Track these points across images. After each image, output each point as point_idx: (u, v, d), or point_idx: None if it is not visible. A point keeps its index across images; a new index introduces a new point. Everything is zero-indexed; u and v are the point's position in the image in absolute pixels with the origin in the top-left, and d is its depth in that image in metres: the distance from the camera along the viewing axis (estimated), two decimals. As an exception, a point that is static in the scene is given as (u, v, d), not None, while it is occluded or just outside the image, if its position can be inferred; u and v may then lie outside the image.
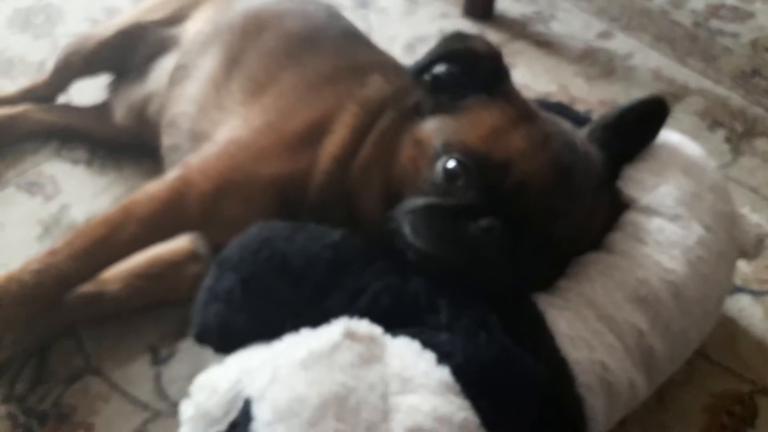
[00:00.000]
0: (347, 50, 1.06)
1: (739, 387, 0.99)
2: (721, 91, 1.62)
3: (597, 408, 0.74)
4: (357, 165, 0.87)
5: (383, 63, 1.03)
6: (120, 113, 1.32)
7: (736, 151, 1.45)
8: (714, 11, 1.90)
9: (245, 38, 1.11)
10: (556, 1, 1.91)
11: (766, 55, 1.75)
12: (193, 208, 0.91)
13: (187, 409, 0.70)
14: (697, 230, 0.85)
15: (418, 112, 0.87)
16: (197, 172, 0.92)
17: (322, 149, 0.88)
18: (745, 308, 1.10)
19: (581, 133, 0.90)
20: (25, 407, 0.90)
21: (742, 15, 1.89)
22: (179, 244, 1.03)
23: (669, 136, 0.96)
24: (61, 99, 1.45)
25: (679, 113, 1.53)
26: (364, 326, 0.71)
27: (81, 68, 1.35)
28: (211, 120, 1.05)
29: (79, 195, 1.26)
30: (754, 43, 1.79)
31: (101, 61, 1.33)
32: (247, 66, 1.06)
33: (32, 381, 0.93)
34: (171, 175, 0.94)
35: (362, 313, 0.74)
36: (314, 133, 0.89)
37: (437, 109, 0.86)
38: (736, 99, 1.59)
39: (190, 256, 1.03)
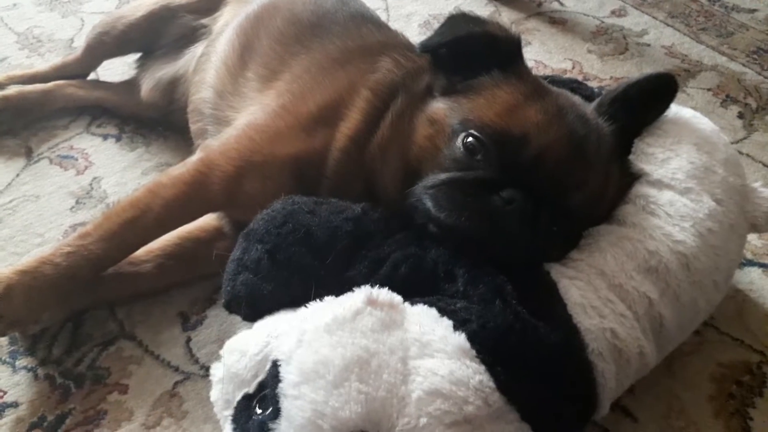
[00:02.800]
0: (357, 33, 1.08)
1: (747, 357, 1.02)
2: (735, 67, 1.62)
3: (607, 374, 0.77)
4: (374, 145, 0.90)
5: (393, 44, 1.05)
6: (147, 90, 1.36)
7: (750, 127, 1.46)
8: (730, -13, 1.89)
9: (259, 26, 1.14)
10: (571, -23, 1.91)
11: (783, 31, 1.74)
12: (216, 188, 0.94)
13: (217, 371, 0.74)
14: (708, 203, 0.87)
15: (430, 93, 0.91)
16: (219, 154, 0.95)
17: (338, 130, 0.91)
18: (754, 281, 1.12)
19: (592, 107, 0.92)
20: (62, 369, 0.95)
21: (758, -10, 1.88)
22: (206, 222, 1.06)
23: (681, 111, 0.98)
24: (90, 76, 1.49)
25: (692, 89, 1.54)
26: (384, 294, 0.74)
27: (112, 48, 1.40)
28: (230, 106, 1.08)
29: (110, 168, 1.30)
30: (770, 19, 1.78)
31: (131, 41, 1.38)
32: (261, 53, 1.09)
33: (68, 345, 0.98)
34: (194, 158, 0.98)
35: (383, 282, 0.77)
36: (328, 114, 0.92)
37: (450, 90, 0.89)
38: (751, 75, 1.60)
39: (217, 234, 1.06)
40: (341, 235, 0.81)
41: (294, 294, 0.79)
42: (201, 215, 1.00)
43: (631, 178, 0.91)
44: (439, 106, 0.88)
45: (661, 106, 0.95)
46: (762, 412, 0.94)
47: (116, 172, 1.29)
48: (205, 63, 1.20)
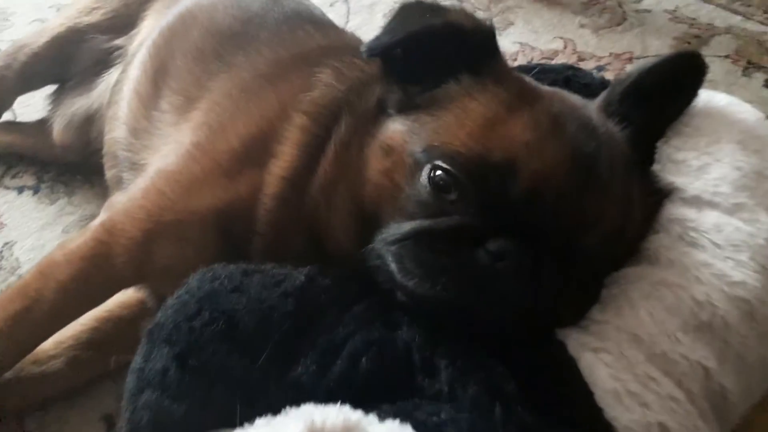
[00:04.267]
0: (291, 38, 0.89)
1: None
2: (753, 26, 1.42)
3: None
4: (315, 186, 0.73)
5: (337, 49, 0.86)
6: (59, 130, 1.17)
7: None
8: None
9: (174, 42, 0.95)
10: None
11: (804, -21, 1.54)
12: (122, 261, 0.76)
13: None
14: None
15: (383, 111, 0.72)
16: (123, 215, 0.77)
17: (267, 171, 0.75)
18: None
19: (595, 106, 0.74)
20: None
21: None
22: (127, 297, 0.88)
23: (713, 98, 0.77)
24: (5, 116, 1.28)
25: (707, 59, 1.31)
26: (333, 417, 0.53)
27: (16, 84, 1.19)
28: (145, 146, 0.91)
29: (25, 229, 1.13)
30: (787, -34, 1.58)
31: (37, 73, 1.18)
32: (176, 76, 0.91)
33: None
34: (95, 222, 0.79)
35: (338, 384, 0.59)
36: (255, 151, 0.76)
37: (408, 105, 0.70)
38: (773, 34, 1.40)
39: (142, 310, 0.87)
40: (279, 319, 0.63)
41: (215, 414, 0.59)
42: (108, 297, 0.82)
43: (659, 196, 0.71)
44: (395, 128, 0.69)
45: (687, 96, 0.76)
46: None
47: (33, 233, 1.12)
48: (118, 93, 1.02)
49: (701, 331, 0.62)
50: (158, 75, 0.93)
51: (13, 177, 1.22)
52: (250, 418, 0.57)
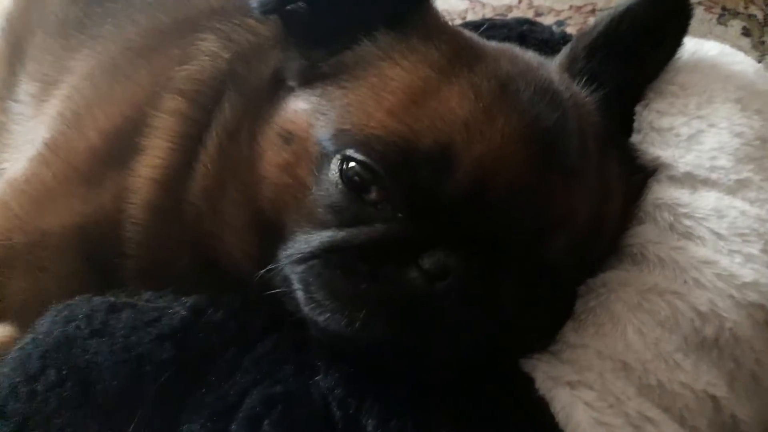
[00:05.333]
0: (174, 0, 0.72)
1: None
2: None
3: None
4: (196, 187, 0.59)
5: (222, 10, 0.69)
6: None
7: (761, 46, 1.17)
8: None
9: (31, 12, 0.79)
10: None
11: None
12: None
13: None
14: None
15: (281, 85, 0.57)
16: None
17: (135, 171, 0.60)
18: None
19: (556, 65, 0.61)
20: None
21: None
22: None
23: (702, 47, 0.64)
24: None
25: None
26: None
27: None
28: (4, 146, 0.75)
29: None
30: None
31: None
32: (33, 56, 0.76)
33: None
34: None
35: None
36: (119, 148, 0.62)
37: (313, 74, 0.56)
38: (748, -24, 1.30)
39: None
40: (153, 371, 0.49)
41: None
42: None
43: (641, 175, 0.58)
44: (297, 107, 0.55)
45: (669, 47, 0.63)
46: None
47: None
48: None
49: (706, 351, 0.50)
50: (14, 56, 0.77)
51: None
52: None
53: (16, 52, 0.77)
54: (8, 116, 0.75)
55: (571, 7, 1.23)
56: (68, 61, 0.71)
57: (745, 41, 1.15)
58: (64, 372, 0.48)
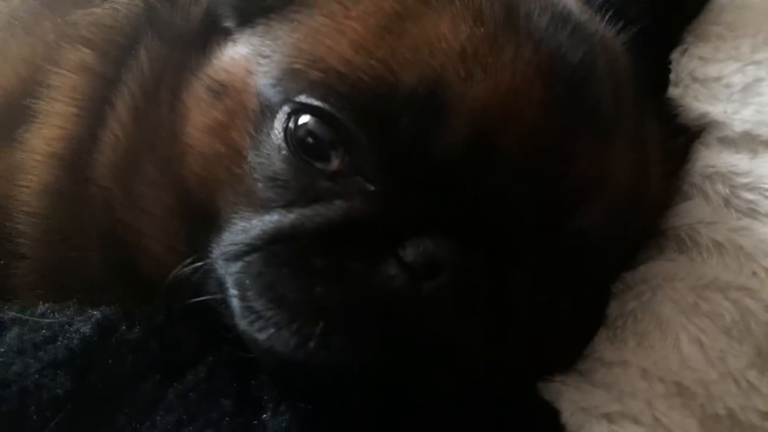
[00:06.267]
0: None
1: None
2: None
3: None
4: (106, 164, 0.48)
5: None
6: None
7: None
8: None
9: None
10: None
11: None
12: None
13: None
14: None
15: (214, 30, 0.46)
16: None
17: (26, 144, 0.50)
18: None
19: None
20: None
21: None
22: None
23: None
24: None
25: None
26: None
27: None
28: None
29: None
30: None
31: None
32: None
33: None
34: None
35: None
36: (6, 115, 0.50)
37: (252, 10, 0.45)
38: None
39: None
40: (40, 411, 0.38)
41: None
42: None
43: (685, 137, 0.47)
44: (234, 53, 0.43)
45: None
46: None
47: None
48: None
49: None
50: None
51: None
52: None
53: None
54: None
55: None
56: None
57: None
58: None
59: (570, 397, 0.38)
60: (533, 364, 0.38)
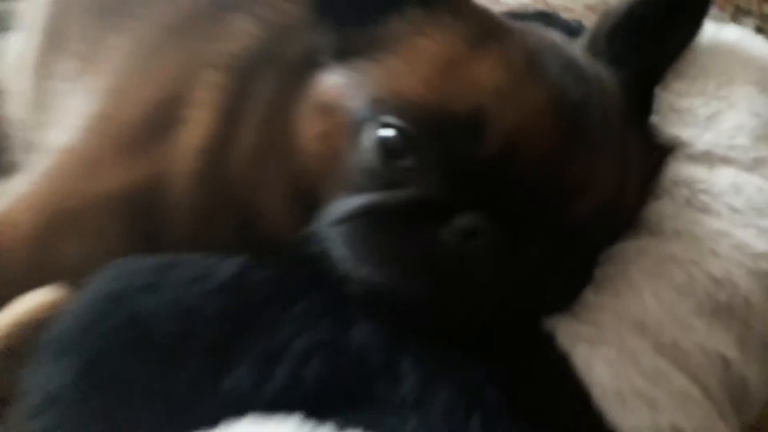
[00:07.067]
0: None
1: None
2: None
3: None
4: (238, 157, 0.63)
5: None
6: None
7: None
8: None
9: None
10: None
11: None
12: (17, 259, 0.65)
13: None
14: None
15: (314, 61, 0.61)
16: (13, 206, 0.66)
17: (178, 141, 0.64)
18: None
19: (579, 45, 0.64)
20: None
21: None
22: (40, 300, 0.75)
23: (720, 31, 0.68)
24: None
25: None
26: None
27: None
28: (40, 124, 0.78)
29: None
30: None
31: None
32: (71, 36, 0.79)
33: None
34: None
35: (282, 394, 0.50)
36: (162, 119, 0.65)
37: (346, 50, 0.59)
38: (765, -26, 1.29)
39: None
40: (204, 322, 0.52)
41: None
42: (3, 303, 0.68)
43: (660, 153, 0.61)
44: (331, 81, 0.58)
45: (689, 30, 0.65)
46: None
47: None
48: (5, 62, 0.91)
49: (719, 315, 0.53)
50: (52, 36, 0.81)
51: None
52: None
53: (54, 33, 0.81)
54: (46, 94, 0.79)
55: (586, 6, 1.27)
56: (108, 40, 0.74)
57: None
58: (123, 319, 0.51)
59: (563, 329, 0.52)
60: (538, 305, 0.52)
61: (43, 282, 0.69)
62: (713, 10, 1.22)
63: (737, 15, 1.21)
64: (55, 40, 0.80)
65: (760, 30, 1.17)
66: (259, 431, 0.45)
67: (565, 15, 1.22)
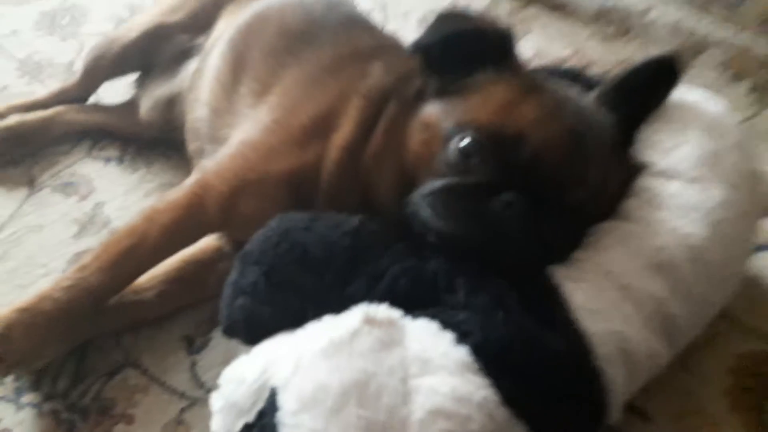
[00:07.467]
0: (347, 38, 1.06)
1: (764, 347, 0.97)
2: (745, 39, 1.56)
3: (617, 379, 0.74)
4: (368, 154, 0.88)
5: (384, 47, 1.04)
6: (145, 109, 1.36)
7: (762, 103, 1.41)
8: (738, -46, 1.82)
9: (250, 39, 1.13)
10: (570, -41, 1.86)
11: (795, -3, 1.67)
12: (213, 210, 0.93)
13: (216, 401, 0.74)
14: (718, 191, 0.83)
15: (422, 97, 0.87)
16: (214, 175, 0.94)
17: (330, 141, 0.89)
18: None
19: (591, 97, 0.88)
20: (68, 403, 0.94)
21: (768, -45, 1.81)
22: (206, 244, 1.06)
23: (687, 93, 0.93)
24: (92, 98, 1.50)
25: (700, 67, 1.50)
26: (382, 311, 0.72)
27: (109, 70, 1.40)
28: (226, 124, 1.08)
29: (112, 192, 1.30)
30: (782, -15, 1.71)
31: (128, 61, 1.38)
32: (253, 67, 1.06)
33: (73, 377, 0.98)
34: (189, 181, 0.96)
35: (382, 297, 0.76)
36: (321, 126, 0.90)
37: (443, 91, 0.86)
38: (763, 45, 1.54)
39: (218, 255, 1.05)
40: (339, 251, 0.79)
41: (293, 315, 0.77)
42: (199, 238, 1.00)
43: (635, 170, 0.87)
44: (432, 109, 0.87)
45: (665, 91, 0.91)
46: (781, 405, 0.91)
47: (119, 196, 1.29)
48: (199, 80, 1.20)
49: (657, 270, 0.77)
50: (237, 66, 1.09)
51: (100, 150, 1.39)
52: (318, 318, 0.75)
53: (239, 64, 1.09)
54: (231, 104, 1.07)
55: (616, 61, 1.51)
56: (280, 72, 1.02)
57: (751, 97, 1.40)
58: (291, 244, 0.78)
59: (558, 271, 0.76)
60: (546, 257, 0.78)
61: (228, 228, 1.01)
62: (718, 72, 1.49)
63: (736, 77, 1.46)
64: (240, 69, 1.09)
65: (753, 90, 1.43)
66: (370, 308, 0.74)
67: (597, 67, 1.51)
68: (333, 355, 0.68)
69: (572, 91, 0.89)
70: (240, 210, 0.92)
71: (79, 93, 1.44)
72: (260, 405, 0.69)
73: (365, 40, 1.07)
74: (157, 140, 1.38)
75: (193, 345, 1.02)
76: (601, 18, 1.67)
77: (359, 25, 1.13)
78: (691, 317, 0.81)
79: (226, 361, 0.78)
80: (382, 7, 1.76)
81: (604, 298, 0.77)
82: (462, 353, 0.70)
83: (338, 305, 0.76)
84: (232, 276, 0.82)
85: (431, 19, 0.91)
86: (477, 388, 0.67)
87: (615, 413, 0.76)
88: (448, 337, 0.71)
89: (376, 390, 0.66)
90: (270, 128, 0.95)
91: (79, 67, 1.52)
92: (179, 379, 0.97)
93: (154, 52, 1.33)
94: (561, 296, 0.77)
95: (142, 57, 1.35)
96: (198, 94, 1.18)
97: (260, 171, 0.91)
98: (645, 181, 0.85)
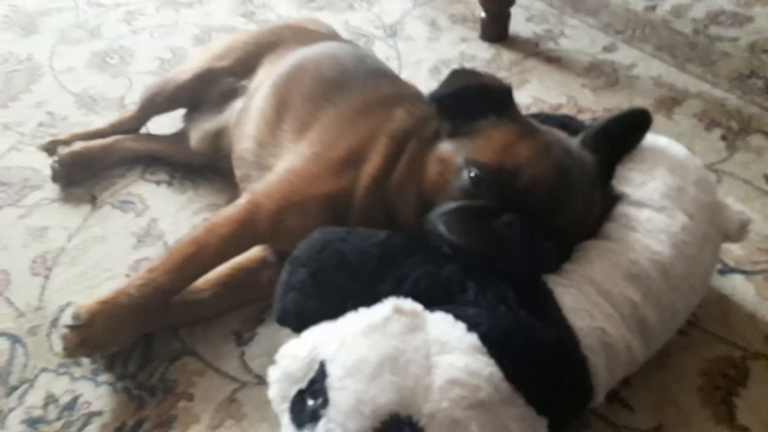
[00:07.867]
0: (374, 87, 1.21)
1: (731, 353, 1.10)
2: (718, 93, 1.74)
3: (599, 365, 0.91)
4: (393, 182, 1.04)
5: (405, 95, 1.22)
6: (195, 139, 1.54)
7: (732, 148, 1.54)
8: (714, 18, 2.03)
9: (291, 85, 1.31)
10: (565, 18, 2.07)
11: (763, 57, 1.87)
12: (263, 225, 1.08)
13: (274, 373, 0.90)
14: (681, 219, 0.98)
15: (438, 137, 1.04)
16: (263, 196, 1.09)
17: (362, 171, 1.05)
18: (737, 286, 1.25)
19: (576, 140, 1.04)
20: (137, 382, 1.09)
21: (741, 20, 2.02)
22: (253, 254, 1.19)
23: (657, 139, 1.12)
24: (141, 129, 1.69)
25: (678, 116, 1.68)
26: (408, 303, 0.89)
27: (162, 107, 1.60)
28: (270, 154, 1.25)
29: (164, 210, 1.46)
30: (752, 46, 1.91)
31: (179, 100, 1.57)
32: (293, 108, 1.22)
33: (141, 362, 1.12)
34: (242, 200, 1.11)
35: (406, 295, 0.91)
36: (353, 159, 1.07)
37: (455, 133, 1.02)
38: (733, 100, 1.72)
39: (263, 264, 1.19)
40: (370, 258, 0.96)
41: (334, 308, 0.93)
42: (250, 248, 1.16)
43: (613, 200, 1.05)
44: (446, 147, 1.04)
45: (638, 137, 1.10)
46: (745, 400, 1.06)
47: (171, 213, 1.44)
48: (245, 117, 1.36)
49: (632, 280, 0.92)
50: (280, 107, 1.25)
51: (152, 174, 1.56)
52: (354, 310, 0.91)
53: (281, 105, 1.26)
54: (275, 139, 1.23)
55: (604, 109, 1.67)
56: (318, 114, 1.17)
57: (722, 144, 1.56)
58: (331, 251, 0.94)
59: (551, 279, 0.93)
60: (540, 268, 0.95)
61: (275, 240, 1.17)
62: (695, 121, 1.67)
63: (710, 126, 1.62)
64: (282, 110, 1.26)
65: (724, 137, 1.59)
66: (399, 300, 0.92)
67: (589, 113, 1.68)
68: (370, 334, 0.85)
69: (561, 135, 1.02)
70: (286, 225, 1.07)
71: (133, 124, 1.63)
72: (311, 374, 0.86)
73: (389, 89, 1.22)
74: (203, 167, 1.55)
75: (241, 338, 1.18)
76: (592, 71, 1.84)
77: (385, 76, 1.28)
78: (662, 321, 0.98)
79: (270, 352, 0.93)
80: (397, 56, 1.95)
81: (588, 300, 0.94)
82: (473, 339, 0.87)
83: (370, 301, 0.92)
84: (284, 275, 0.98)
85: (441, 67, 1.10)
86: (485, 366, 0.84)
87: (599, 396, 0.92)
88: (461, 326, 0.88)
89: (404, 363, 0.83)
90: (311, 159, 1.13)
91: (129, 101, 1.73)
92: (230, 366, 1.13)
93: (203, 92, 1.51)
94: (553, 298, 0.94)
95: (193, 96, 1.52)
96: (244, 129, 1.31)
97: (303, 193, 1.07)
98: (622, 209, 1.01)
